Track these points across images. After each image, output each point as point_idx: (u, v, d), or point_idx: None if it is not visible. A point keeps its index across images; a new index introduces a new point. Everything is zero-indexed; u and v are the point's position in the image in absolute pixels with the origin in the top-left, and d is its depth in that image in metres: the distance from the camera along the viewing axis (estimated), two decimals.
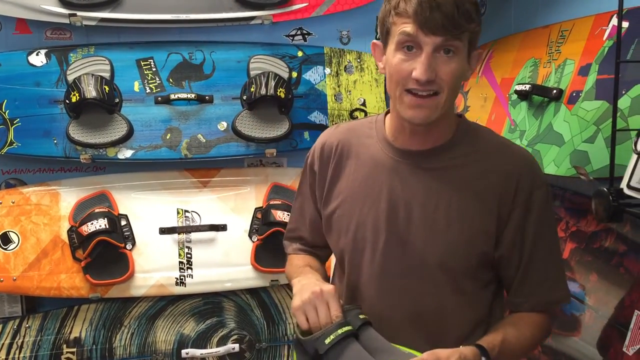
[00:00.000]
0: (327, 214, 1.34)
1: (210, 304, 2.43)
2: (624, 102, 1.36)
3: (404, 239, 1.22)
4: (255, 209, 2.43)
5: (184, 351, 2.37)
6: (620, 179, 1.19)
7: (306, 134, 2.45)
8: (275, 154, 2.43)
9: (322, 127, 2.46)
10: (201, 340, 2.40)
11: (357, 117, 2.50)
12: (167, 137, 2.36)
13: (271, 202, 2.40)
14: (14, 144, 2.24)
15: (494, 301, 1.28)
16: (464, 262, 1.20)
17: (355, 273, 1.30)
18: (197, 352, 2.38)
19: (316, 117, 2.47)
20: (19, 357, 2.26)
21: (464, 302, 1.23)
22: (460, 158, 1.22)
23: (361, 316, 1.15)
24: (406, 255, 1.22)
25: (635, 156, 0.99)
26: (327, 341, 1.09)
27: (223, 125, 2.40)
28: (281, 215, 2.34)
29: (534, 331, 1.22)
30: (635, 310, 1.37)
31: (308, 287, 1.17)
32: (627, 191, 0.94)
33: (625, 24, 1.37)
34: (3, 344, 2.26)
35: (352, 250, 1.29)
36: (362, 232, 1.27)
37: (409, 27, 1.10)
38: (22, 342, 2.27)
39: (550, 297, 1.24)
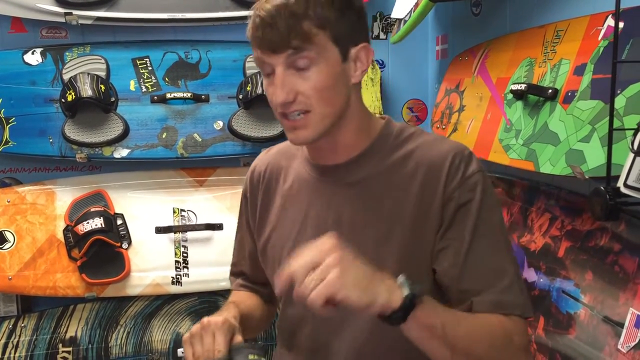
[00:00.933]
0: (261, 246, 1.23)
1: (206, 303, 2.43)
2: (619, 102, 1.36)
3: None
4: None
5: (179, 350, 2.36)
6: (616, 178, 1.20)
7: None
8: None
9: None
10: None
11: None
12: (163, 136, 2.36)
13: None
14: (10, 143, 2.24)
15: None
16: None
17: (290, 308, 1.20)
18: None
19: None
20: (14, 357, 2.25)
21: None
22: (383, 164, 1.09)
23: (251, 357, 1.03)
24: None
25: (631, 155, 0.99)
26: None
27: (219, 125, 2.41)
28: None
29: (481, 326, 1.00)
30: (630, 308, 1.38)
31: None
32: (623, 190, 0.95)
33: (620, 24, 1.39)
34: None
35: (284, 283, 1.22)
36: None
37: (255, 51, 1.04)
38: (18, 342, 2.27)
39: (499, 297, 1.02)
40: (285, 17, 0.98)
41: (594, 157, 1.44)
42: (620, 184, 0.96)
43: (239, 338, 1.08)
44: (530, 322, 1.72)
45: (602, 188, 0.90)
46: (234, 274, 1.38)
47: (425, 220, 1.04)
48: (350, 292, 0.85)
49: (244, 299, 1.30)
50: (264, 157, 1.30)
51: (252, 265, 1.32)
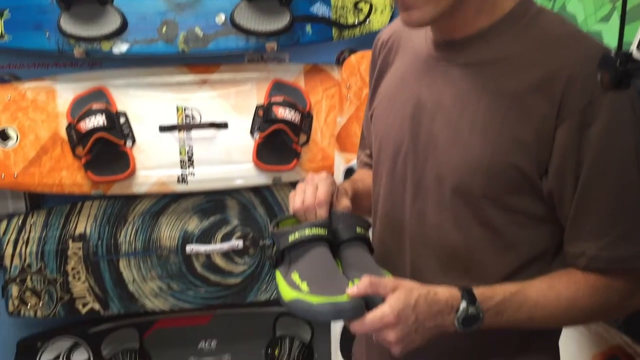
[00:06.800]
0: (370, 116, 1.18)
1: (212, 202, 2.43)
2: None
3: (424, 153, 1.00)
4: (257, 106, 2.37)
5: (188, 247, 2.39)
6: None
7: (308, 28, 2.34)
8: (276, 48, 2.33)
9: (325, 21, 2.35)
10: (205, 237, 2.41)
11: (362, 8, 2.37)
12: (163, 31, 2.27)
13: (273, 99, 2.34)
14: (5, 37, 2.17)
15: (554, 248, 0.99)
16: (484, 182, 0.94)
17: (377, 186, 1.12)
18: (202, 248, 2.39)
19: (318, 9, 2.35)
20: (26, 251, 2.29)
21: (495, 239, 0.96)
22: (502, 50, 0.94)
23: (358, 230, 0.98)
24: (425, 174, 1.00)
25: None
26: (290, 238, 0.94)
27: (221, 18, 2.30)
28: (283, 112, 2.29)
29: (580, 294, 0.92)
30: None
31: None
32: (636, 54, 0.86)
33: None
34: (9, 239, 2.28)
35: (376, 159, 1.13)
36: (386, 139, 1.09)
37: None
38: (28, 238, 2.30)
39: (616, 252, 0.90)
40: None
41: (614, 39, 1.34)
42: (632, 48, 0.87)
43: (345, 202, 1.05)
44: None
45: (610, 54, 0.80)
46: (361, 146, 1.34)
47: (529, 123, 0.91)
48: (417, 344, 0.90)
49: (365, 177, 1.24)
50: (391, 25, 1.21)
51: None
